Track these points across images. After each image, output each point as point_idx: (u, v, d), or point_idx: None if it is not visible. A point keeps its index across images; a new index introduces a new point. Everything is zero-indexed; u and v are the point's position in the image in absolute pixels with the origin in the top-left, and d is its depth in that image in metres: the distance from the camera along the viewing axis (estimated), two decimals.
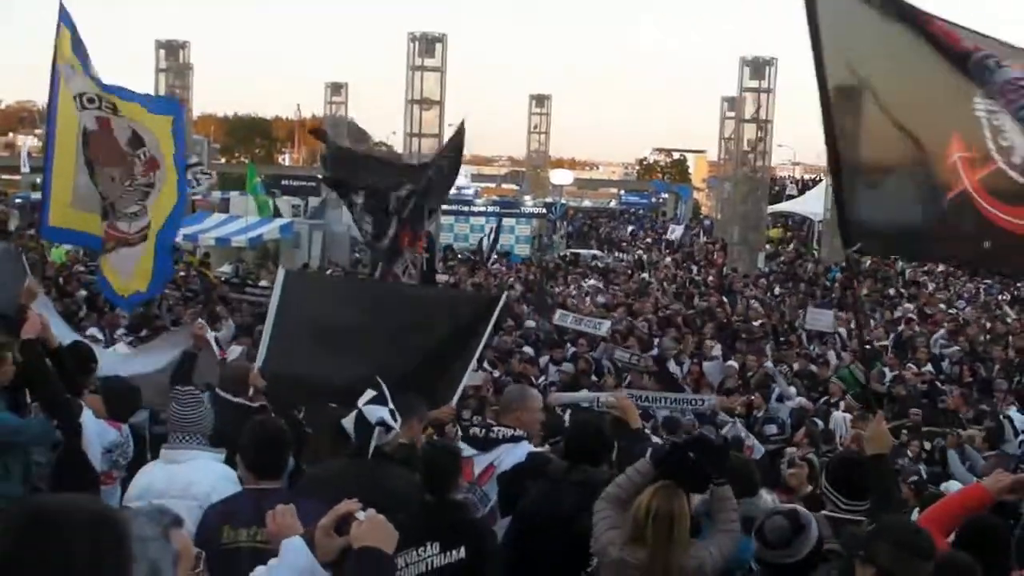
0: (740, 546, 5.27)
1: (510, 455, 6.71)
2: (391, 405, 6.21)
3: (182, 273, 28.09)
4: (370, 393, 6.64)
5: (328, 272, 28.99)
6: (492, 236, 39.18)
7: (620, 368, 17.19)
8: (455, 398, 8.43)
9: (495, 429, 6.95)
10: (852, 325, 21.62)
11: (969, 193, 5.91)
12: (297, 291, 9.06)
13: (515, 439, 6.83)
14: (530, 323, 21.48)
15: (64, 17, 11.03)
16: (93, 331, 15.37)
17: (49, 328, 6.92)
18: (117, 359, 9.44)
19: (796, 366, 18.33)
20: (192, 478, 5.75)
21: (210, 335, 9.43)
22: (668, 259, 42.40)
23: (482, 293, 10.77)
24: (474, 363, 9.01)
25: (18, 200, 53.53)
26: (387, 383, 6.38)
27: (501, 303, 9.47)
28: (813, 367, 18.22)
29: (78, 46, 11.02)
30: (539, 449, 7.38)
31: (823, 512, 5.60)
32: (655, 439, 9.34)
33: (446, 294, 10.40)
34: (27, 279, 9.00)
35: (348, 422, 6.21)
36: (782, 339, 21.87)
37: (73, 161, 11.05)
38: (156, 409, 8.53)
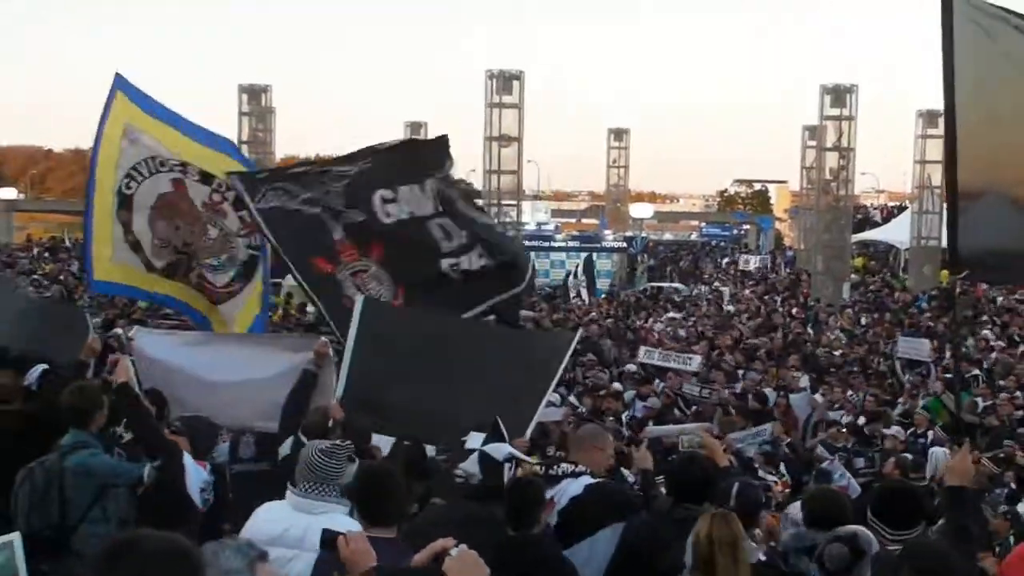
0: None
1: (568, 489, 6.73)
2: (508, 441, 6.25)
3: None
4: (478, 435, 6.68)
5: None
6: (581, 271, 38.75)
7: (689, 402, 17.06)
8: (528, 431, 8.37)
9: (557, 467, 6.93)
10: (944, 354, 21.26)
11: None
12: (375, 321, 9.05)
13: (575, 474, 6.83)
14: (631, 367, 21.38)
15: (120, 84, 11.25)
16: None
17: (131, 372, 6.96)
18: (235, 357, 9.20)
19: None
20: (307, 528, 5.39)
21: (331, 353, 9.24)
22: (748, 291, 41.93)
23: (559, 331, 10.43)
24: (548, 397, 8.93)
25: None
26: (462, 416, 6.39)
27: (576, 339, 9.41)
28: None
29: (143, 100, 11.29)
30: (596, 480, 7.37)
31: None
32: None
33: (525, 331, 10.26)
34: (90, 336, 9.13)
35: (471, 465, 6.22)
36: (870, 371, 21.50)
37: (110, 218, 11.24)
38: (240, 435, 8.57)
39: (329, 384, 8.77)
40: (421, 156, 11.31)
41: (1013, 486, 11.82)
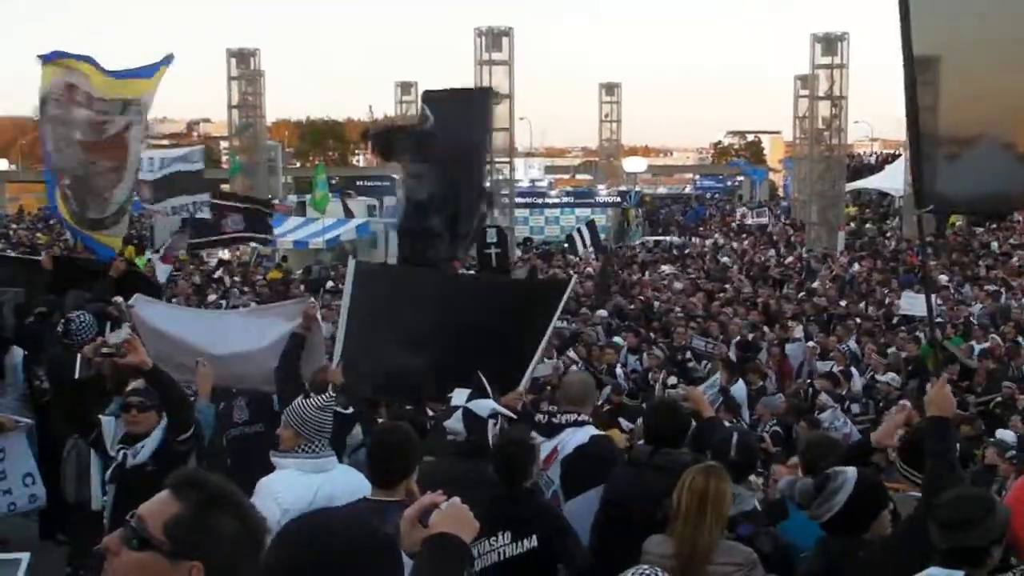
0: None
1: (573, 438, 6.77)
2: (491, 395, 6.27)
3: (258, 277, 28.54)
4: (462, 391, 6.70)
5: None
6: (588, 232, 38.71)
7: (698, 355, 17.10)
8: (523, 383, 8.35)
9: (559, 416, 6.98)
10: (936, 300, 21.30)
11: None
12: (368, 283, 9.05)
13: (578, 423, 6.89)
14: (601, 312, 21.47)
15: (52, 55, 12.02)
16: None
17: (141, 351, 6.85)
18: (229, 328, 9.24)
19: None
20: (361, 485, 5.45)
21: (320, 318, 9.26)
22: (745, 243, 41.94)
23: (549, 280, 10.38)
24: (542, 348, 8.93)
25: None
26: (458, 371, 6.40)
27: (569, 289, 9.40)
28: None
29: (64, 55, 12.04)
30: (601, 432, 7.41)
31: (911, 493, 5.51)
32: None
33: (513, 282, 10.27)
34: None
35: (455, 422, 6.24)
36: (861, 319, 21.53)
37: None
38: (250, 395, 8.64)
39: (319, 344, 8.82)
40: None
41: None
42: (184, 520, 2.49)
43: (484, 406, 6.24)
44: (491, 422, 6.04)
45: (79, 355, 6.92)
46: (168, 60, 12.73)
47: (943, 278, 27.09)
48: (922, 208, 5.86)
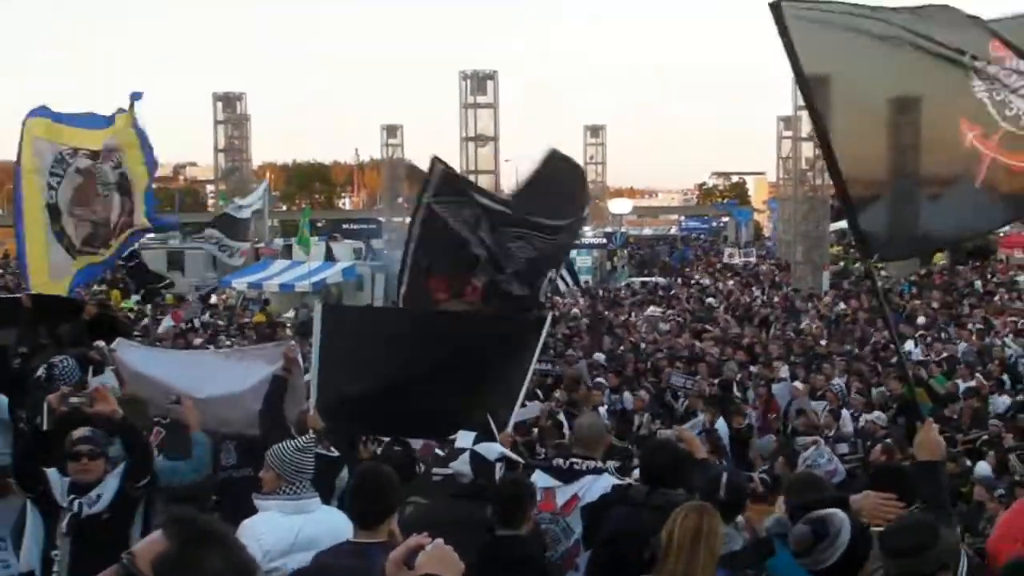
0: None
1: (595, 486, 6.69)
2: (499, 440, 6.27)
3: (245, 320, 28.55)
4: (467, 433, 6.68)
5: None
6: (567, 273, 38.80)
7: (675, 393, 17.14)
8: (510, 424, 8.23)
9: (578, 461, 6.92)
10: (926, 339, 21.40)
11: (994, 160, 5.90)
12: (337, 325, 8.97)
13: (598, 471, 6.82)
14: (598, 355, 21.58)
15: (38, 112, 11.88)
16: None
17: (111, 400, 6.83)
18: (210, 371, 9.21)
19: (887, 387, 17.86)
20: (343, 527, 5.41)
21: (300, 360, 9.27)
22: (730, 283, 42.07)
23: (527, 316, 10.16)
24: (525, 388, 8.88)
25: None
26: (438, 410, 6.38)
27: (546, 326, 9.35)
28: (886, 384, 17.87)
29: (41, 112, 11.86)
30: (623, 482, 7.37)
31: (873, 528, 5.54)
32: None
33: (489, 317, 10.17)
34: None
35: (462, 464, 6.23)
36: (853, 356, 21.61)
37: (44, 236, 11.84)
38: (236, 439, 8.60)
39: (301, 386, 8.82)
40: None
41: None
42: (170, 557, 2.57)
43: (492, 449, 6.26)
44: (498, 466, 6.04)
45: (46, 404, 6.78)
46: (136, 96, 12.72)
47: (920, 319, 27.27)
48: (868, 258, 5.96)
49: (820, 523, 4.86)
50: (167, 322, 21.18)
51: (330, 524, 5.61)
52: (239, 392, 8.68)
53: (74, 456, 6.43)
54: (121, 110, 12.53)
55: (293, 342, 10.68)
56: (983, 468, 11.85)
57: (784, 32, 5.53)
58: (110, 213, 12.34)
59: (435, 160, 10.73)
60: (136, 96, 12.72)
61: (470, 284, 10.72)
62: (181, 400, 8.11)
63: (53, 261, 11.90)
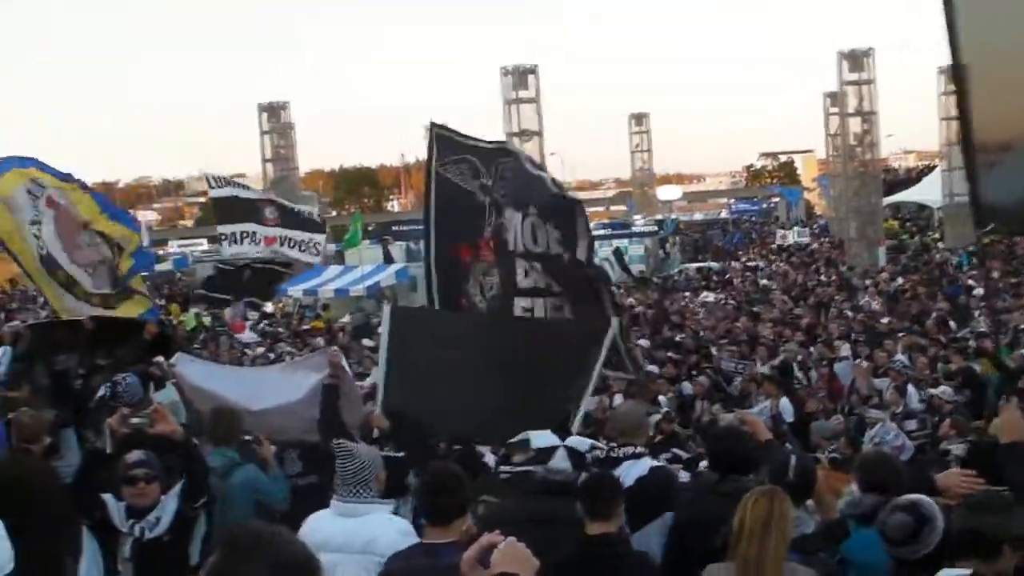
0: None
1: (633, 470, 6.70)
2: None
3: (305, 327, 28.76)
4: (540, 433, 6.68)
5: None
6: (616, 262, 38.70)
7: (728, 376, 17.03)
8: (576, 425, 8.27)
9: (617, 449, 6.92)
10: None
11: None
12: (406, 327, 9.03)
13: (636, 456, 6.83)
14: (642, 342, 21.43)
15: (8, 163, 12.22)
16: None
17: (171, 420, 6.76)
18: (267, 384, 9.37)
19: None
20: (373, 534, 5.49)
21: (346, 364, 9.32)
22: (784, 264, 41.71)
23: (593, 320, 10.10)
24: (591, 388, 8.86)
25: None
26: (505, 411, 6.37)
27: (612, 330, 9.31)
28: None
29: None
30: (659, 463, 7.35)
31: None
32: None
33: (556, 322, 10.16)
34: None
35: (561, 461, 6.24)
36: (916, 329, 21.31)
37: (45, 281, 12.35)
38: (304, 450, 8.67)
39: (352, 389, 8.96)
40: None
41: None
42: (215, 570, 2.68)
43: (583, 442, 6.25)
44: (589, 456, 6.04)
45: (107, 427, 6.74)
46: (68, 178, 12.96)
47: (978, 291, 26.82)
48: (982, 228, 5.83)
49: (915, 510, 4.77)
50: (246, 336, 21.34)
51: (373, 529, 5.57)
52: (294, 402, 8.83)
53: (130, 480, 6.35)
54: (69, 177, 12.81)
55: (335, 348, 10.75)
56: None
57: None
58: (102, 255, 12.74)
59: (431, 125, 10.84)
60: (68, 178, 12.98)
61: (483, 240, 10.80)
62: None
63: (70, 307, 12.33)
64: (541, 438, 6.58)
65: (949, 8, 5.55)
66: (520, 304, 10.82)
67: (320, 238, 19.58)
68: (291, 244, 19.00)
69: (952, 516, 4.38)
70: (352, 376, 9.10)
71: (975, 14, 5.76)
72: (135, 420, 6.75)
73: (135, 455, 6.43)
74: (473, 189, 10.67)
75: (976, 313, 22.44)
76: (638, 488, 6.54)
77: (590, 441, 6.52)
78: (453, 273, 10.77)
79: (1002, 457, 5.02)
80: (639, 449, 6.93)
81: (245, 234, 18.85)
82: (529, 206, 10.85)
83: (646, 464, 6.83)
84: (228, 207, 19.05)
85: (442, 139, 10.84)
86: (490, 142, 11.12)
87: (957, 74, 5.59)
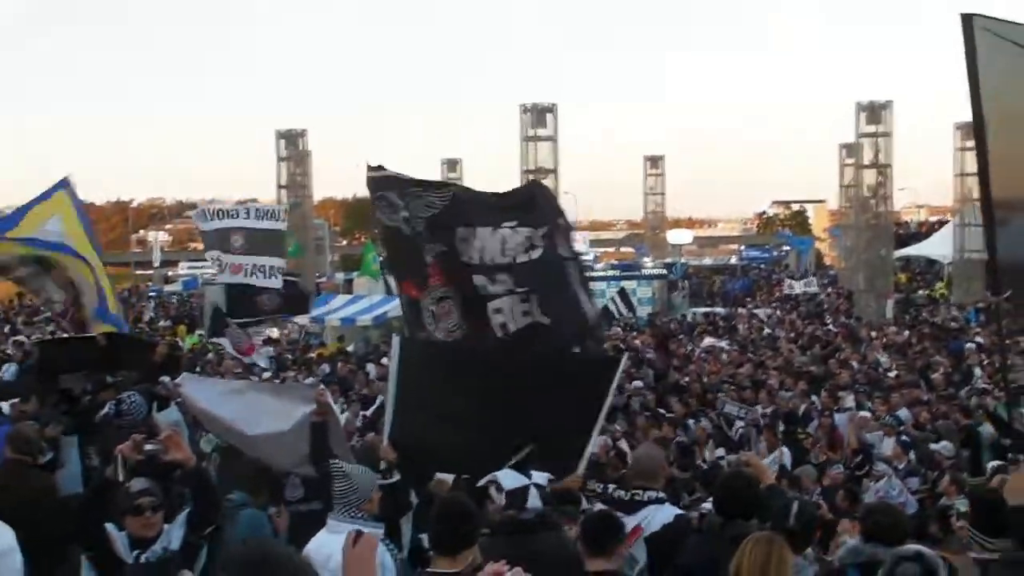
0: None
1: (657, 516, 6.71)
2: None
3: (310, 355, 28.77)
4: (508, 473, 6.72)
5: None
6: (621, 302, 38.67)
7: (730, 420, 17.01)
8: (582, 466, 8.21)
9: (639, 492, 6.92)
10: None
11: None
12: (415, 359, 9.02)
13: (659, 501, 6.84)
14: (637, 383, 21.41)
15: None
16: None
17: (184, 448, 6.67)
18: (261, 408, 9.26)
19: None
20: (334, 549, 5.40)
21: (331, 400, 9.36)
22: (792, 314, 41.62)
23: (600, 357, 10.04)
24: (598, 427, 8.83)
25: (152, 294, 55.85)
26: (513, 451, 6.41)
27: (621, 366, 9.30)
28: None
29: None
30: (683, 512, 7.34)
31: (971, 554, 5.47)
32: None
33: (565, 357, 10.09)
34: None
35: (535, 500, 6.27)
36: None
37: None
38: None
39: (339, 428, 9.11)
40: (511, 203, 11.11)
41: None
42: None
43: (543, 476, 6.31)
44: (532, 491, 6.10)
45: (118, 456, 6.56)
46: (63, 184, 13.41)
47: (980, 342, 26.80)
48: (998, 294, 5.86)
49: (921, 560, 4.79)
50: (259, 357, 21.36)
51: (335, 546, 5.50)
52: (284, 431, 8.77)
53: (136, 510, 6.20)
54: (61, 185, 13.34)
55: (322, 386, 10.89)
56: None
57: (970, 42, 5.53)
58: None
59: (367, 170, 10.82)
60: (64, 183, 13.45)
61: (428, 268, 10.62)
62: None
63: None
64: (508, 478, 6.58)
65: (972, 63, 5.61)
66: (492, 308, 10.65)
67: (280, 262, 19.80)
68: (256, 270, 19.29)
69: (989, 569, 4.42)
70: (338, 414, 9.18)
71: (996, 70, 5.82)
72: (149, 447, 6.64)
73: (139, 483, 6.29)
74: (398, 223, 10.60)
75: (976, 371, 22.40)
76: (664, 535, 6.55)
77: (547, 475, 6.54)
78: (412, 312, 10.78)
79: (1012, 520, 5.07)
80: (660, 495, 6.95)
81: (218, 262, 19.41)
82: (498, 219, 10.69)
83: (671, 511, 6.87)
84: (209, 235, 19.64)
85: (373, 181, 10.84)
86: (420, 181, 11.09)
87: (979, 127, 5.64)
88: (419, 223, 10.48)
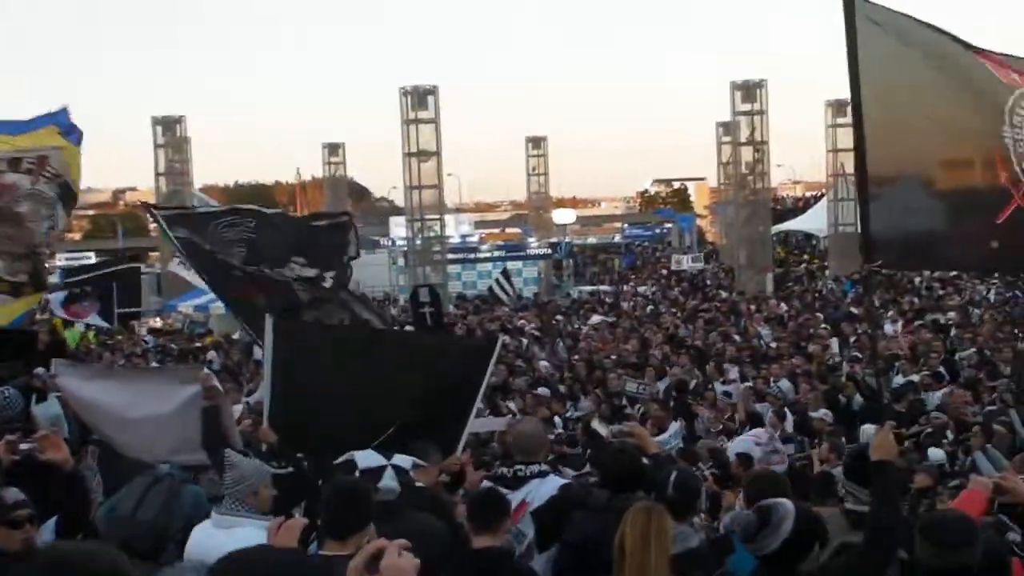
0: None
1: (541, 489, 6.77)
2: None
3: (197, 344, 28.37)
4: (363, 452, 6.71)
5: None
6: (506, 282, 38.94)
7: (632, 399, 17.30)
8: (460, 447, 8.28)
9: (522, 467, 6.99)
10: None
11: (1019, 207, 6.05)
12: (289, 340, 8.90)
13: (542, 474, 6.91)
14: (543, 363, 21.72)
15: None
16: None
17: (62, 448, 6.37)
18: (121, 393, 8.79)
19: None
20: (228, 548, 5.32)
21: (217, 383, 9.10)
22: (675, 290, 42.31)
23: (478, 339, 10.15)
24: (475, 410, 8.89)
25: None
26: (391, 432, 6.44)
27: (497, 348, 9.35)
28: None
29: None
30: (568, 481, 7.44)
31: (845, 505, 5.72)
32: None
33: (442, 340, 10.13)
34: None
35: (390, 480, 6.25)
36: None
37: None
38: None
39: (230, 409, 8.94)
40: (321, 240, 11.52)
41: None
42: None
43: (405, 459, 6.35)
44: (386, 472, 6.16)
45: None
46: (57, 119, 11.51)
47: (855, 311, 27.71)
48: (871, 263, 6.06)
49: (765, 510, 4.99)
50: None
51: (231, 544, 5.50)
52: (164, 415, 8.43)
53: (15, 523, 5.50)
54: (51, 116, 11.42)
55: (206, 370, 10.84)
56: (936, 454, 12.21)
57: (851, 24, 5.69)
58: (33, 237, 11.32)
59: (143, 205, 11.19)
60: (59, 118, 11.82)
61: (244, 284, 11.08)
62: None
63: None
64: (365, 458, 6.57)
65: (852, 41, 5.78)
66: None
67: None
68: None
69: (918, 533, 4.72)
70: (225, 397, 8.95)
71: (873, 48, 6.00)
72: (24, 446, 6.35)
73: (12, 493, 5.61)
74: (208, 247, 11.00)
75: (852, 340, 23.09)
76: (549, 507, 6.63)
77: (412, 459, 6.56)
78: (242, 308, 11.24)
79: (872, 473, 5.30)
80: (544, 467, 7.02)
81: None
82: (288, 256, 11.15)
83: (556, 482, 6.93)
84: None
85: (166, 218, 11.32)
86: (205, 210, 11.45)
87: (856, 106, 5.82)
88: (231, 256, 10.95)
